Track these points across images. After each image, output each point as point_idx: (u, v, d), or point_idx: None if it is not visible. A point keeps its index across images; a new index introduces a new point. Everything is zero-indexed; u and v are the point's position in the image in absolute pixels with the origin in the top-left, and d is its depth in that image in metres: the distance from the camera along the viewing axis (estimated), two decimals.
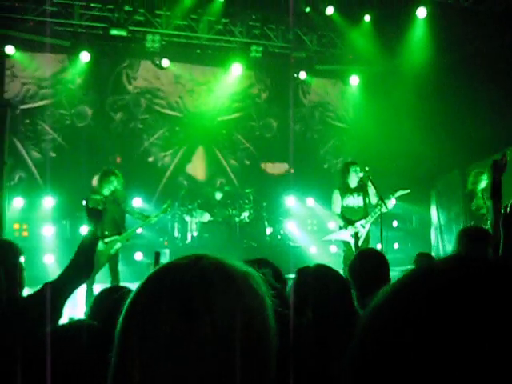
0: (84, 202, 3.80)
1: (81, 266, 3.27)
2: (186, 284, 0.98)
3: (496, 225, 3.10)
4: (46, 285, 3.16)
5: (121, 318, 1.02)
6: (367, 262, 3.49)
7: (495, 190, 3.33)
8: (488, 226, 7.57)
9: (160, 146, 13.36)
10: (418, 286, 0.69)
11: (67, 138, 12.43)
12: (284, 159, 14.02)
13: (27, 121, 12.15)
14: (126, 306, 1.02)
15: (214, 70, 13.79)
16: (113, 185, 7.91)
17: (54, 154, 12.32)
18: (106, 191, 7.90)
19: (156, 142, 13.33)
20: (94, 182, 8.77)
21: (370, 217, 8.37)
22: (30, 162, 12.09)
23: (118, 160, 12.44)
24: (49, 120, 12.35)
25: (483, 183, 8.72)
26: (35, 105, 12.28)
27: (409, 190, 8.71)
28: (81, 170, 11.91)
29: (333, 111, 15.09)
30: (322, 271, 2.69)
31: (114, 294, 2.87)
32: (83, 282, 3.47)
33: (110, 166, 8.32)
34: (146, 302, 1.00)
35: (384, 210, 8.16)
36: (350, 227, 8.25)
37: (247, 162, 14.20)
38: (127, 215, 8.25)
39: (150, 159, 13.27)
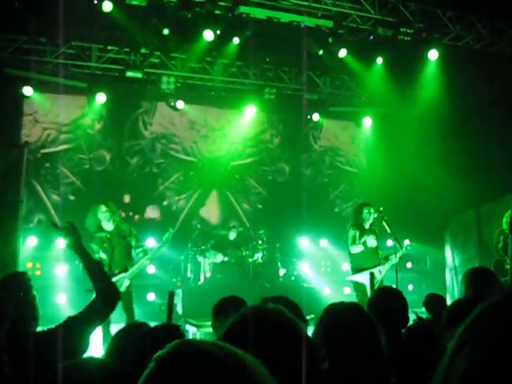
0: (54, 224, 3.78)
1: (106, 296, 3.26)
2: None
3: None
4: (68, 319, 3.16)
5: None
6: (386, 300, 3.46)
7: None
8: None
9: (174, 190, 13.55)
10: None
11: (86, 181, 12.64)
12: (295, 203, 14.01)
13: (47, 165, 12.42)
14: None
15: (228, 116, 14.04)
16: (107, 216, 7.76)
17: (72, 197, 12.53)
18: (108, 226, 7.78)
19: (171, 186, 13.54)
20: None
21: (386, 264, 8.32)
22: (48, 205, 12.28)
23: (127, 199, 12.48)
24: (68, 164, 12.62)
25: None
26: (55, 149, 12.55)
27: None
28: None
29: (343, 156, 15.28)
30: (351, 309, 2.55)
31: (135, 331, 2.85)
32: (108, 314, 3.45)
33: (108, 200, 8.14)
34: None
35: (395, 261, 8.23)
36: (372, 269, 8.15)
37: (260, 206, 14.32)
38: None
39: (165, 203, 13.44)
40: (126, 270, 7.80)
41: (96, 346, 7.12)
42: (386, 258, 8.42)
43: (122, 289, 7.66)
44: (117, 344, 3.04)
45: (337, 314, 2.40)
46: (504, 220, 9.15)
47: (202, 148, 13.91)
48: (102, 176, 12.77)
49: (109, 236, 7.77)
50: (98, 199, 11.33)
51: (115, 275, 7.57)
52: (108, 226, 7.82)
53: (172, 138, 13.65)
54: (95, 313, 3.26)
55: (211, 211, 13.86)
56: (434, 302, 5.20)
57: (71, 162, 12.66)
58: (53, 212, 12.25)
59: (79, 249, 3.60)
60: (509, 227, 3.35)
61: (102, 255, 7.71)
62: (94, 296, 3.36)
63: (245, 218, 14.01)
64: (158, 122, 13.55)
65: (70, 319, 3.19)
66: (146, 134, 13.44)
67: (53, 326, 3.16)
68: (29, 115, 12.39)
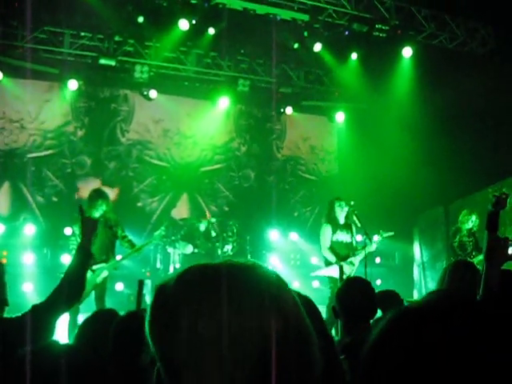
0: (80, 209, 3.70)
1: (72, 286, 3.21)
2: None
3: (485, 256, 3.11)
4: (33, 307, 3.11)
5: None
6: (355, 289, 3.48)
7: (492, 223, 3.32)
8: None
9: (148, 193, 14.15)
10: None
11: (68, 184, 13.24)
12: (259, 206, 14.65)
13: (33, 168, 12.90)
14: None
15: (201, 107, 14.32)
16: (102, 208, 7.71)
17: (55, 199, 13.08)
18: (96, 213, 7.66)
19: (145, 189, 14.12)
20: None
21: (358, 255, 8.36)
22: (34, 206, 12.80)
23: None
24: (52, 168, 13.13)
25: (470, 223, 8.92)
26: (41, 154, 13.06)
27: (393, 233, 8.87)
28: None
29: (303, 165, 15.94)
30: None
31: (103, 318, 2.81)
32: (73, 305, 3.40)
33: (98, 188, 8.16)
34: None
35: (373, 248, 8.23)
36: (343, 263, 8.18)
37: (226, 209, 14.89)
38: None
39: (139, 204, 14.04)
40: (106, 261, 7.69)
41: (62, 335, 7.06)
42: (357, 249, 8.48)
43: (99, 279, 7.56)
44: (85, 330, 3.00)
45: None
46: (459, 219, 9.29)
47: (175, 154, 14.48)
48: (83, 179, 13.35)
49: None
50: (78, 201, 11.64)
51: (95, 263, 7.45)
52: (95, 212, 7.70)
53: (147, 144, 14.23)
54: (59, 302, 3.21)
55: (182, 213, 14.30)
56: (386, 299, 5.20)
57: (55, 167, 13.18)
58: (37, 212, 12.76)
59: (86, 244, 3.55)
60: (486, 223, 3.36)
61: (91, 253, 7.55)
62: (57, 284, 3.30)
63: (213, 219, 14.37)
64: (135, 129, 14.09)
65: (35, 307, 3.14)
66: (123, 140, 14.01)
67: (19, 315, 3.11)
68: (16, 122, 12.82)
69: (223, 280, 1.03)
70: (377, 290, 5.27)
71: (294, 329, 1.02)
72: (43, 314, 3.04)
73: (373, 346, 0.91)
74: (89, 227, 3.63)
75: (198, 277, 1.05)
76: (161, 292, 1.05)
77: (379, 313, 4.68)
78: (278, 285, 1.07)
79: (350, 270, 8.31)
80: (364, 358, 0.90)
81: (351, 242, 8.55)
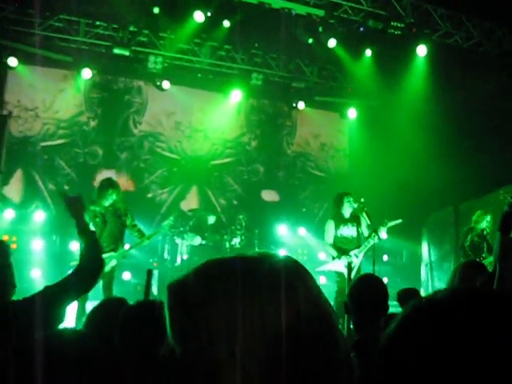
0: (59, 192, 3.69)
1: (88, 271, 3.22)
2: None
3: (499, 257, 3.10)
4: (45, 288, 3.12)
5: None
6: (366, 287, 3.47)
7: (506, 224, 3.29)
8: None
9: (159, 184, 14.37)
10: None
11: (80, 173, 13.47)
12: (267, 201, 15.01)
13: (46, 157, 13.15)
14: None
15: (214, 100, 14.39)
16: (112, 197, 7.78)
17: (67, 187, 13.26)
18: (106, 202, 7.74)
19: (155, 180, 14.35)
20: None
21: (363, 246, 8.34)
22: (45, 193, 13.04)
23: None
24: (64, 157, 13.38)
25: (484, 223, 8.88)
26: (54, 143, 13.31)
27: (401, 220, 8.73)
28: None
29: (313, 161, 16.10)
30: None
31: (113, 306, 2.83)
32: (88, 289, 3.40)
33: (109, 177, 8.24)
34: None
35: (377, 239, 8.17)
36: (343, 257, 8.20)
37: (235, 202, 15.03)
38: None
39: (149, 195, 14.25)
40: (115, 250, 7.76)
41: (70, 322, 7.09)
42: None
43: (107, 268, 7.61)
44: (94, 318, 3.02)
45: None
46: (474, 219, 9.25)
47: (186, 147, 14.66)
48: (94, 169, 13.53)
49: (103, 211, 7.71)
50: (90, 190, 11.74)
51: (104, 252, 7.51)
52: (105, 201, 7.78)
53: (159, 136, 14.42)
54: (73, 286, 3.22)
55: (191, 205, 14.42)
56: (408, 296, 5.21)
57: (67, 156, 13.40)
58: (49, 200, 12.94)
59: (78, 220, 3.50)
60: (499, 225, 3.34)
61: (92, 229, 7.64)
62: (74, 268, 3.31)
63: (221, 212, 14.51)
64: (147, 121, 14.27)
65: (47, 288, 3.15)
66: (136, 132, 14.22)
67: (29, 296, 3.12)
68: (30, 110, 13.02)
69: (241, 274, 1.04)
70: (398, 289, 5.30)
71: (312, 315, 1.03)
72: (54, 296, 3.05)
73: (400, 327, 0.96)
74: (74, 206, 3.55)
75: (217, 272, 1.06)
76: (180, 289, 1.06)
77: (397, 309, 4.68)
78: (290, 275, 1.08)
79: (354, 263, 8.29)
80: (392, 336, 0.96)
81: (357, 236, 8.52)
